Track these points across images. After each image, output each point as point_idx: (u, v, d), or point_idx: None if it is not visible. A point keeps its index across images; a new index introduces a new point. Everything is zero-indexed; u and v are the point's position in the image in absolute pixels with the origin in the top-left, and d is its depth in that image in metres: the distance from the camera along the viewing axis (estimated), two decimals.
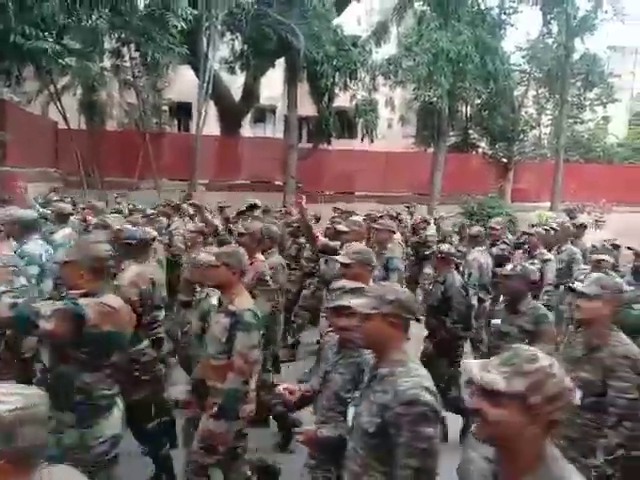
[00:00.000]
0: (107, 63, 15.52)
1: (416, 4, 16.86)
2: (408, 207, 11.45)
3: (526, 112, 19.73)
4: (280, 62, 16.94)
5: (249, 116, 19.82)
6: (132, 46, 13.93)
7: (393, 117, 19.37)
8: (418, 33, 15.90)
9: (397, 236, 7.44)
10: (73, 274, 2.72)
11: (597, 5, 17.54)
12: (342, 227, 5.62)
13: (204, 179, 15.35)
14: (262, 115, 21.83)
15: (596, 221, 13.38)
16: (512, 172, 18.15)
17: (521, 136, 18.79)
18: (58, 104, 13.89)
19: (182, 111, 20.53)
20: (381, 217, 7.87)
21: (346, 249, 4.10)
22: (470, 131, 19.89)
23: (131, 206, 8.55)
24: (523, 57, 19.13)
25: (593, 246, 6.80)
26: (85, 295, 2.60)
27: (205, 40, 14.39)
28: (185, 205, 7.72)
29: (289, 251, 7.48)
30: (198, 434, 3.26)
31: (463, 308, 5.03)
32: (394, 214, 8.90)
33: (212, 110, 16.35)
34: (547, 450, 1.48)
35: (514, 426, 1.45)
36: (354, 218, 5.88)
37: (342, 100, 16.59)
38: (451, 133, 18.60)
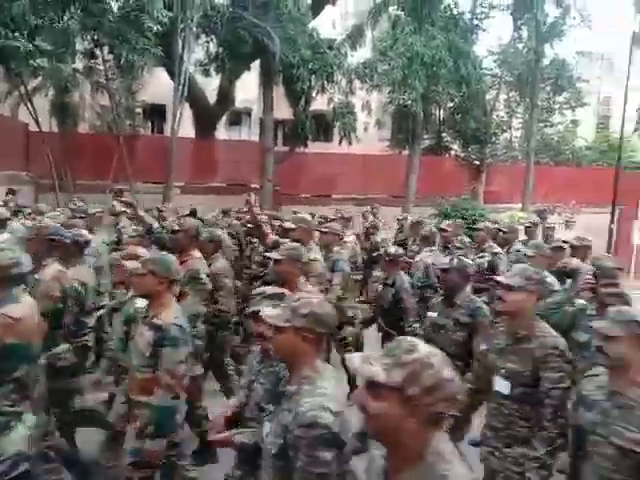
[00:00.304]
0: (79, 65, 15.26)
1: (390, 8, 17.04)
2: (372, 209, 11.48)
3: (497, 115, 20.14)
4: (255, 65, 16.93)
5: (224, 119, 19.74)
6: (105, 48, 13.73)
7: (370, 120, 19.52)
8: (393, 37, 16.09)
9: (351, 239, 7.53)
10: None
11: (565, 12, 18.03)
12: (289, 224, 5.65)
13: (180, 182, 15.22)
14: (237, 118, 21.77)
15: (566, 222, 13.74)
16: (484, 174, 18.49)
17: (493, 139, 19.18)
18: (29, 106, 13.63)
19: (156, 113, 20.33)
20: (332, 220, 7.77)
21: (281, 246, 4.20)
22: (443, 134, 20.19)
23: (99, 208, 8.11)
24: (494, 61, 19.52)
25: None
26: None
27: (180, 42, 14.30)
28: (116, 203, 7.24)
29: (245, 252, 7.42)
30: (129, 450, 3.19)
31: (416, 307, 5.12)
32: (347, 217, 8.60)
33: (187, 112, 16.23)
34: (432, 445, 1.43)
35: (394, 419, 1.40)
36: (302, 215, 5.89)
37: (319, 103, 16.66)
38: (425, 136, 18.85)
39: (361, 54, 17.14)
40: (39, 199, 12.86)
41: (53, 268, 3.92)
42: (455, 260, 4.16)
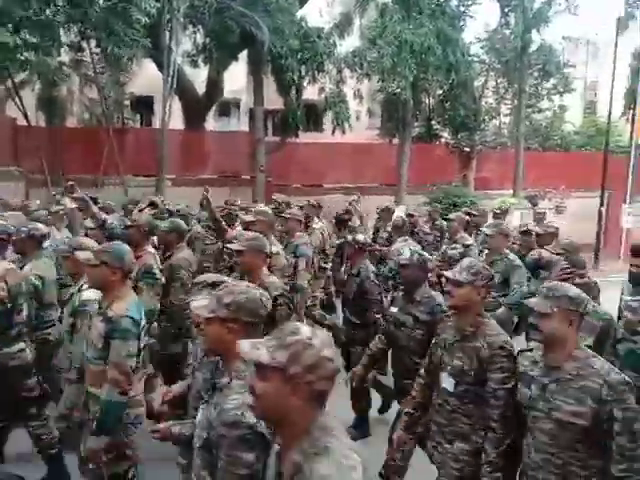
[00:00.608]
0: (66, 58, 15.08)
1: None
2: (357, 198, 11.28)
3: (486, 102, 20.20)
4: (243, 55, 16.83)
5: (213, 110, 19.63)
6: (92, 40, 13.57)
7: (361, 109, 19.51)
8: (381, 25, 16.05)
9: (318, 225, 7.49)
10: None
11: None
12: (249, 217, 5.63)
13: (170, 174, 15.15)
14: (226, 109, 21.64)
15: (557, 207, 13.90)
16: (475, 161, 18.58)
17: (482, 126, 19.25)
18: (16, 100, 13.46)
19: (143, 105, 20.15)
20: (300, 208, 7.54)
21: (240, 237, 4.16)
22: (433, 122, 20.24)
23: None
24: (482, 48, 19.54)
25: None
26: None
27: (167, 33, 14.17)
28: (67, 199, 7.25)
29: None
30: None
31: (379, 298, 5.06)
32: (315, 204, 8.25)
33: (176, 104, 16.13)
34: (317, 421, 1.50)
35: (279, 397, 1.48)
36: (261, 208, 5.88)
37: (308, 93, 16.63)
38: (415, 124, 18.89)
39: (349, 42, 17.11)
40: (30, 194, 12.75)
41: (1, 266, 3.81)
42: (415, 255, 4.04)
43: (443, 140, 20.06)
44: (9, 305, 3.71)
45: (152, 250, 4.65)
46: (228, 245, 4.42)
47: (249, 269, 3.87)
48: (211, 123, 19.80)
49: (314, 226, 7.29)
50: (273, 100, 16.93)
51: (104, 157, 14.37)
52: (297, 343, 1.49)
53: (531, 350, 2.78)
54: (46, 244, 4.79)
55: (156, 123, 18.23)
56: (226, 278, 2.82)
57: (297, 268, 5.59)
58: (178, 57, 14.94)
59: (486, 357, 2.87)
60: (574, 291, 2.58)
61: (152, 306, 4.24)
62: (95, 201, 7.24)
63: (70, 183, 5.57)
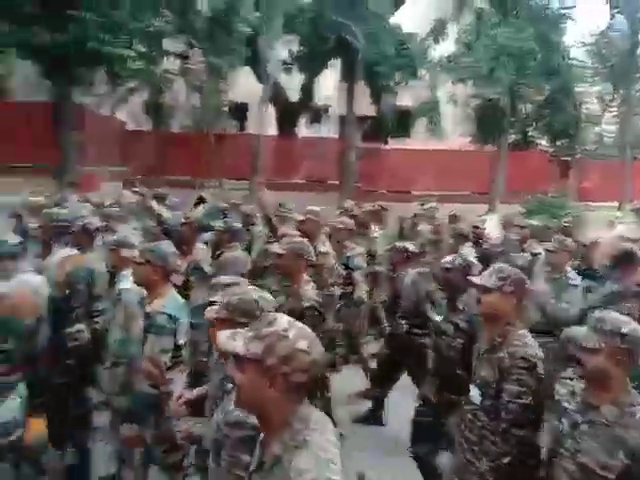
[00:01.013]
0: (172, 65, 16.00)
1: (475, 0, 16.66)
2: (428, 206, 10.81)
3: (587, 108, 19.15)
4: (334, 62, 17.06)
5: (305, 116, 20.02)
6: (197, 49, 14.33)
7: (453, 116, 19.17)
8: (477, 30, 15.71)
9: (376, 234, 7.09)
10: None
11: None
12: (298, 216, 5.59)
13: (263, 178, 15.62)
14: (317, 115, 21.99)
15: None
16: (575, 170, 17.66)
17: (583, 133, 18.27)
18: (126, 106, 14.46)
19: (239, 111, 20.91)
20: (353, 216, 7.00)
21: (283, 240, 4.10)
22: (528, 128, 19.45)
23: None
24: (587, 51, 18.57)
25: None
26: None
27: (265, 42, 14.67)
28: (126, 192, 7.29)
29: None
30: None
31: (412, 305, 4.82)
32: (379, 209, 7.79)
33: (269, 110, 16.63)
34: (297, 413, 1.50)
35: (257, 389, 1.47)
36: (311, 208, 5.74)
37: (399, 98, 16.57)
38: (510, 130, 18.27)
39: (444, 47, 16.87)
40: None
41: (60, 254, 3.97)
42: (458, 259, 3.85)
43: (539, 148, 19.23)
44: (67, 291, 3.87)
45: (203, 246, 4.80)
46: (268, 247, 4.44)
47: (288, 273, 3.85)
48: (303, 129, 20.20)
49: (373, 235, 7.04)
50: (364, 106, 17.01)
51: (204, 160, 15.06)
52: (272, 335, 1.48)
53: (572, 379, 2.53)
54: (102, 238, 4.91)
55: (250, 129, 18.85)
56: (241, 280, 2.78)
57: (354, 281, 5.52)
58: (273, 65, 15.43)
59: (506, 367, 2.62)
60: (630, 327, 2.19)
61: (200, 301, 4.23)
62: (203, 200, 7.62)
63: (131, 178, 5.85)
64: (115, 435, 3.45)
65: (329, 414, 2.30)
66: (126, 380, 3.38)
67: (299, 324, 1.54)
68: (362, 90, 16.52)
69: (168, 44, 14.02)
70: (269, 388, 1.47)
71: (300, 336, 1.50)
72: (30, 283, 2.98)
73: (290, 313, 2.16)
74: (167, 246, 3.35)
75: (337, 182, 16.54)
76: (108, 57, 11.74)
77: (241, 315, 2.06)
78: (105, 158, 13.35)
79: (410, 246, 5.23)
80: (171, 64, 15.91)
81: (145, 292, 3.32)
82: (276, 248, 3.90)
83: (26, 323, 2.91)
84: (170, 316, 3.11)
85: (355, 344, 5.71)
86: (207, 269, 4.56)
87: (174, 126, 17.64)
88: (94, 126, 13.27)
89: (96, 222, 4.75)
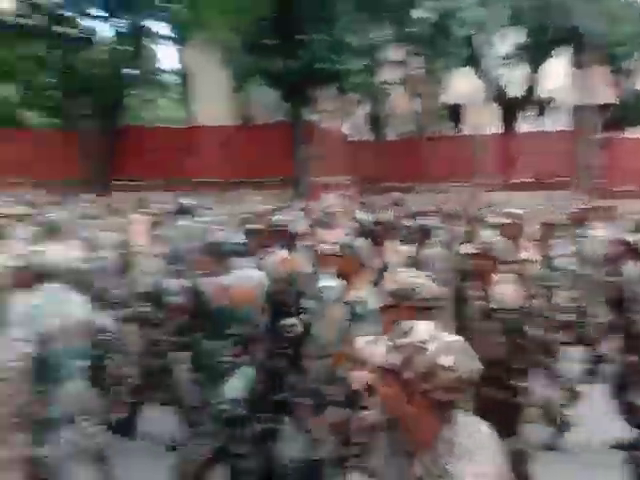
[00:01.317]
0: (390, 75, 16.49)
1: None
2: None
3: None
4: (560, 50, 15.70)
5: (528, 110, 18.86)
6: (415, 56, 14.54)
7: None
8: None
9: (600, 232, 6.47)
10: (200, 259, 3.36)
11: None
12: (499, 219, 5.23)
13: (483, 179, 15.11)
14: (541, 108, 20.54)
15: None
16: None
17: None
18: (348, 118, 15.34)
19: (454, 113, 20.61)
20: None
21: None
22: None
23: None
24: None
25: None
26: (206, 276, 3.17)
27: (484, 40, 14.22)
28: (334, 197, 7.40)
29: None
30: None
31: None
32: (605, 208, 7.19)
33: (488, 108, 16.04)
34: (442, 434, 1.36)
35: (396, 402, 1.37)
36: (513, 210, 5.29)
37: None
38: None
39: None
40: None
41: (279, 254, 4.36)
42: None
43: None
44: (283, 287, 4.21)
45: (394, 246, 5.04)
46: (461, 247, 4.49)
47: (480, 272, 3.84)
48: (525, 124, 19.07)
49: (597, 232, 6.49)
50: (599, 93, 15.29)
51: (420, 165, 15.21)
52: (408, 346, 1.36)
53: None
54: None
55: (466, 129, 18.44)
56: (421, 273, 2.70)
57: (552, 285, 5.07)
58: (493, 61, 14.86)
59: None
60: None
61: None
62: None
63: (340, 183, 6.24)
64: (316, 421, 3.67)
65: None
66: (331, 369, 3.62)
67: (447, 336, 1.39)
68: (597, 75, 14.89)
69: (387, 54, 14.47)
70: (409, 403, 1.36)
71: (443, 350, 1.34)
72: (251, 278, 3.45)
73: (480, 314, 2.11)
74: (362, 242, 3.71)
75: (569, 179, 15.16)
76: (335, 74, 12.62)
77: (402, 299, 2.20)
78: (331, 170, 14.33)
79: (630, 238, 4.77)
80: (389, 74, 16.43)
81: (345, 283, 3.60)
82: (467, 248, 4.00)
83: (246, 312, 3.32)
84: (365, 304, 3.32)
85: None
86: (396, 266, 4.77)
87: (392, 134, 18.14)
88: (321, 140, 14.35)
89: (302, 227, 5.34)
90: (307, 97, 13.20)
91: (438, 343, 1.36)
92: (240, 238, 3.76)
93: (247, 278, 3.40)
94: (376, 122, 16.88)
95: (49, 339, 2.89)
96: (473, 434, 1.39)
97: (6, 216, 5.32)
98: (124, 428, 4.50)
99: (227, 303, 3.20)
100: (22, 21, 13.32)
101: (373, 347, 1.44)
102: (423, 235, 5.47)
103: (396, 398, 1.37)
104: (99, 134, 14.15)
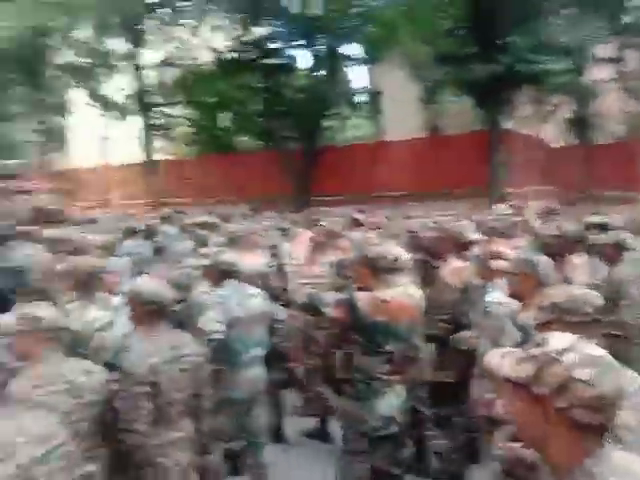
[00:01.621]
0: (600, 73, 14.99)
1: None
2: None
3: None
4: None
5: None
6: (630, 50, 13.00)
7: None
8: None
9: None
10: (357, 273, 3.23)
11: None
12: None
13: None
14: None
15: None
16: None
17: None
18: (548, 124, 14.21)
19: None
20: None
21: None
22: None
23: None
24: None
25: None
26: (361, 289, 3.06)
27: None
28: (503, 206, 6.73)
29: None
30: None
31: None
32: None
33: None
34: (584, 463, 1.14)
35: (530, 420, 1.21)
36: None
37: None
38: None
39: None
40: (564, 210, 13.18)
41: (452, 264, 4.11)
42: None
43: None
44: (457, 297, 4.03)
45: (576, 260, 4.54)
46: None
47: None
48: None
49: None
50: None
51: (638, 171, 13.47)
52: (541, 356, 1.20)
53: None
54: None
55: None
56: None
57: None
58: None
59: None
60: None
61: None
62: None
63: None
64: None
65: None
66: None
67: (591, 348, 1.20)
68: None
69: (597, 50, 13.15)
70: (544, 422, 1.19)
71: (582, 363, 1.16)
72: (408, 292, 3.26)
73: None
74: (540, 258, 3.30)
75: None
76: (535, 76, 11.84)
77: (564, 313, 1.98)
78: (529, 178, 13.47)
79: None
80: (599, 72, 14.89)
81: (518, 303, 3.27)
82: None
83: (402, 329, 3.14)
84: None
85: None
86: (580, 285, 4.26)
87: (601, 137, 16.42)
88: (520, 147, 13.59)
89: (472, 235, 4.95)
90: (502, 103, 12.59)
91: (576, 354, 1.19)
92: (400, 252, 3.63)
93: (402, 293, 3.23)
94: (582, 125, 15.44)
95: (235, 323, 3.46)
96: (626, 478, 1.13)
97: (201, 225, 6.34)
98: (317, 433, 4.61)
99: (383, 318, 3.05)
100: (236, 56, 15.06)
101: (502, 358, 1.30)
102: (616, 251, 4.74)
103: (528, 415, 1.23)
104: (299, 153, 15.19)
